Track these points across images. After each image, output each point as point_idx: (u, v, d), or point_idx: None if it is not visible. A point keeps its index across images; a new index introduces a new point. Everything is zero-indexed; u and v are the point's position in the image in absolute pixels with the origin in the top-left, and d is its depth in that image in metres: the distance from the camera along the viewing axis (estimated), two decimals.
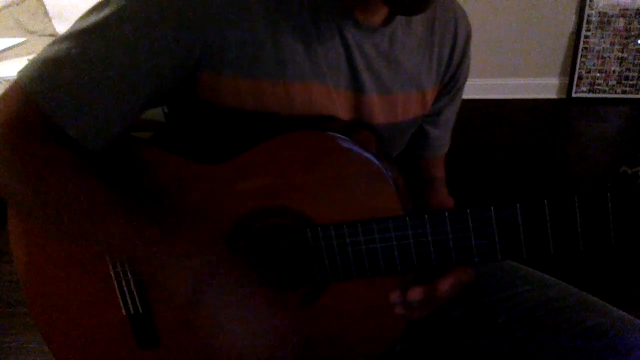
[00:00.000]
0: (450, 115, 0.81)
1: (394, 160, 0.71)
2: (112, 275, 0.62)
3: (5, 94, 0.54)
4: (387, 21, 0.64)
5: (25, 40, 2.32)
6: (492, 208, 0.56)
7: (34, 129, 0.53)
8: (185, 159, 0.60)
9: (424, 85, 0.71)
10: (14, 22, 2.42)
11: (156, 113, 0.71)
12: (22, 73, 0.54)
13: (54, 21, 2.53)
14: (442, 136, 0.82)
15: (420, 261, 0.58)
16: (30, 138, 0.53)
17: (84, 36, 0.53)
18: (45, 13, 2.51)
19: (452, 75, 0.75)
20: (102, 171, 0.55)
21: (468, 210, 0.56)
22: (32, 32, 2.46)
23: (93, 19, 0.53)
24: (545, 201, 0.55)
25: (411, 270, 0.59)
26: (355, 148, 0.58)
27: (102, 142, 0.56)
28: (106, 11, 0.53)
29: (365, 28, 0.61)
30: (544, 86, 2.89)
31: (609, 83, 2.77)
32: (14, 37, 2.37)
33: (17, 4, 2.42)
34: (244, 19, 0.55)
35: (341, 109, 0.64)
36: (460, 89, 0.79)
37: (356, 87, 0.64)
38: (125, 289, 0.62)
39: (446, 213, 0.57)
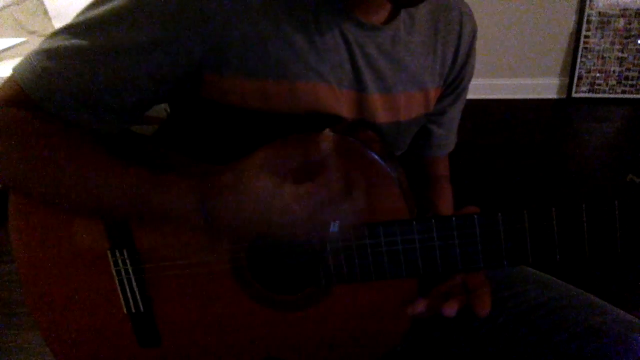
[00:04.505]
0: (454, 114, 0.81)
1: (397, 160, 0.71)
2: (114, 273, 0.62)
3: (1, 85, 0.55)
4: (389, 20, 0.64)
5: (25, 40, 2.31)
6: (499, 214, 0.56)
7: (26, 114, 0.53)
8: (189, 159, 0.60)
9: (426, 85, 0.71)
10: (14, 22, 2.42)
11: (159, 111, 0.70)
12: (17, 65, 0.55)
13: (54, 21, 2.53)
14: (446, 135, 0.82)
15: (425, 266, 0.58)
16: (22, 121, 0.53)
17: (80, 30, 0.53)
18: (45, 13, 2.51)
19: (457, 75, 0.75)
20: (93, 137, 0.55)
21: (475, 216, 0.56)
22: (32, 32, 2.46)
23: (91, 14, 0.54)
24: (553, 208, 0.55)
25: (416, 275, 0.59)
26: (360, 148, 0.57)
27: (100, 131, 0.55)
28: (104, 7, 0.53)
29: (366, 27, 0.61)
30: (544, 86, 2.88)
31: (609, 83, 2.77)
32: (14, 37, 2.37)
33: (17, 4, 2.42)
34: (245, 17, 0.54)
35: (345, 107, 0.63)
36: (465, 89, 0.79)
37: (359, 86, 0.64)
38: (126, 287, 0.62)
39: (453, 218, 0.56)
